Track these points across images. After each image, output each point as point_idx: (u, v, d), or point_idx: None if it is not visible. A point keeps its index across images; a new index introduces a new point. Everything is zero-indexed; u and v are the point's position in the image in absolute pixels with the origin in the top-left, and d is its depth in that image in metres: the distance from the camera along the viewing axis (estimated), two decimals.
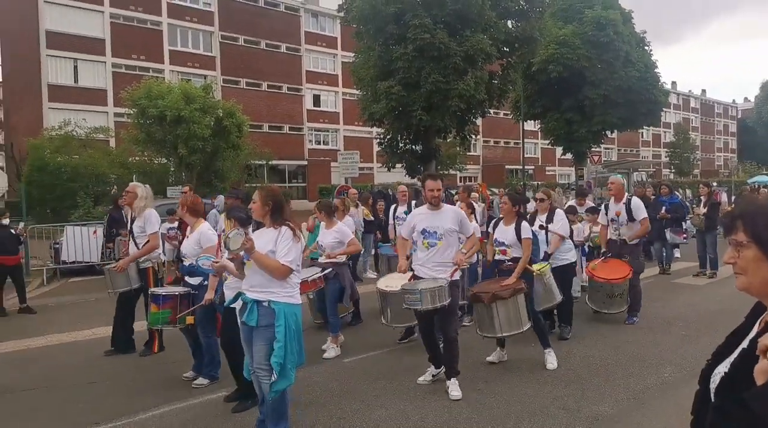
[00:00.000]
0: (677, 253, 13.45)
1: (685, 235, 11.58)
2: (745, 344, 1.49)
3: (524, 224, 5.79)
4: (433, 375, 5.31)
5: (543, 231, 6.75)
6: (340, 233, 6.57)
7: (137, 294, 6.59)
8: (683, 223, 11.73)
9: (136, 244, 6.45)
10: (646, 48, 33.18)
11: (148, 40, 34.05)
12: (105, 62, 32.61)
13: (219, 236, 5.30)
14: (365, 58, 23.87)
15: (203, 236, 5.37)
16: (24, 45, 32.00)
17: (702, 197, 11.57)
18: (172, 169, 24.55)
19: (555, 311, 6.87)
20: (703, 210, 11.09)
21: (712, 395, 1.52)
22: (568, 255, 6.92)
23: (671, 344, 6.46)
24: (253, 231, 4.37)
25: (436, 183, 5.07)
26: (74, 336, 7.64)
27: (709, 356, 1.65)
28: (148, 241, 6.39)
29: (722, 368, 1.51)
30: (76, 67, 31.97)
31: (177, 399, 5.11)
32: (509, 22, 24.46)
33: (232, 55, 37.24)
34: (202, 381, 5.48)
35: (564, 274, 6.77)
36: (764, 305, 1.49)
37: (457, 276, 5.03)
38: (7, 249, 9.01)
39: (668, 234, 11.28)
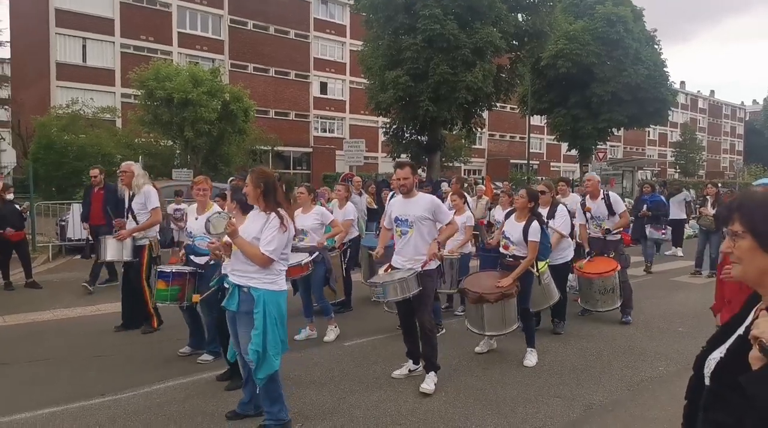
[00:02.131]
0: (680, 252, 13.51)
1: (663, 232, 11.76)
2: (741, 330, 1.54)
3: (534, 225, 5.51)
4: (409, 370, 5.21)
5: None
6: (320, 215, 6.52)
7: (140, 271, 6.49)
8: (690, 220, 11.76)
9: (136, 221, 6.46)
10: (655, 46, 33.07)
11: (157, 21, 34.01)
12: (114, 42, 32.60)
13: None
14: (374, 47, 23.85)
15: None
16: (33, 23, 32.00)
17: (709, 197, 11.38)
18: (178, 152, 24.65)
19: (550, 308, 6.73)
20: (711, 210, 10.92)
21: (706, 379, 1.58)
22: (565, 253, 6.75)
23: (667, 339, 6.55)
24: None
25: (403, 171, 4.94)
26: (80, 312, 7.77)
27: None
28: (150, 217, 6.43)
29: (717, 354, 1.56)
30: (84, 47, 31.98)
31: (181, 374, 5.23)
32: (519, 16, 24.40)
33: (241, 40, 37.18)
34: (206, 357, 5.60)
35: (560, 272, 6.64)
36: (760, 294, 1.55)
37: (432, 265, 4.91)
38: (12, 224, 9.10)
39: (648, 230, 11.44)
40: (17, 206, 9.48)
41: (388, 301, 5.03)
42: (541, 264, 6.05)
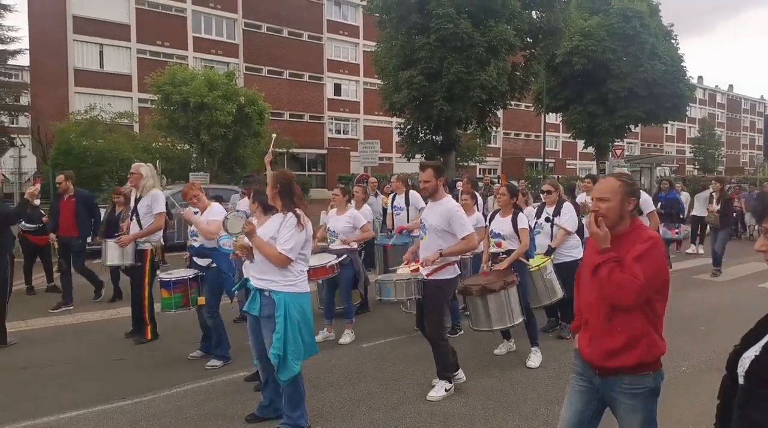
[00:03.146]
0: (701, 250, 13.29)
1: (677, 231, 11.33)
2: None
3: (521, 215, 5.67)
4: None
5: (549, 225, 6.53)
6: (353, 218, 6.53)
7: (142, 276, 6.32)
8: (710, 220, 11.29)
9: (139, 224, 6.31)
10: (672, 41, 32.66)
11: (173, 26, 34.33)
12: (130, 48, 32.97)
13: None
14: (387, 47, 23.83)
15: (211, 212, 5.49)
16: (51, 29, 32.45)
17: (714, 194, 11.16)
18: (194, 155, 24.81)
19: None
20: (716, 207, 10.76)
21: (740, 378, 1.55)
22: (574, 251, 6.53)
23: (690, 338, 6.44)
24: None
25: (425, 173, 4.66)
26: (99, 316, 7.85)
27: (729, 350, 1.68)
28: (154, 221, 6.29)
29: (752, 352, 1.53)
30: (101, 53, 32.37)
31: (201, 377, 5.25)
32: (533, 13, 24.23)
33: (255, 43, 37.39)
34: (214, 362, 5.56)
35: (569, 271, 6.29)
36: None
37: (445, 275, 4.64)
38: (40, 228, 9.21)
39: (661, 230, 11.00)
40: (42, 212, 9.57)
41: (386, 300, 4.99)
42: (537, 260, 6.04)
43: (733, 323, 6.96)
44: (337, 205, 6.70)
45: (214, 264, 5.56)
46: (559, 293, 6.19)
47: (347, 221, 6.52)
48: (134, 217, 6.38)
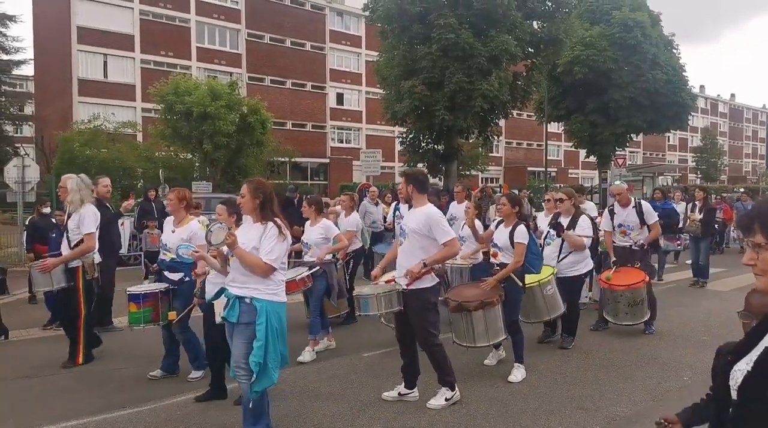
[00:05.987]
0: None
1: (679, 242, 11.10)
2: (767, 342, 1.51)
3: (520, 228, 5.39)
4: (400, 393, 4.85)
5: (560, 239, 6.36)
6: (325, 229, 6.43)
7: (77, 296, 5.93)
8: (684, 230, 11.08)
9: (69, 243, 5.88)
10: (674, 50, 32.75)
11: (176, 36, 34.56)
12: (134, 58, 33.19)
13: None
14: (389, 57, 23.94)
15: (195, 236, 5.20)
16: (56, 40, 32.71)
17: (697, 202, 10.92)
18: (197, 164, 24.92)
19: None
20: (699, 216, 10.56)
21: (733, 392, 1.54)
22: (580, 266, 6.44)
23: (691, 348, 6.42)
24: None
25: (402, 180, 4.88)
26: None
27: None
28: (82, 241, 5.81)
29: (744, 365, 1.52)
30: (105, 63, 32.59)
31: (200, 387, 5.22)
32: (535, 23, 24.32)
33: (258, 53, 37.60)
34: (195, 374, 5.47)
35: (572, 285, 6.40)
36: None
37: (424, 283, 4.57)
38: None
39: (662, 242, 10.38)
40: (53, 220, 9.56)
41: (365, 315, 4.94)
42: (537, 276, 5.77)
43: (733, 333, 6.91)
44: (310, 215, 6.56)
45: (186, 279, 5.34)
46: (561, 308, 6.12)
47: (319, 232, 6.41)
48: (65, 235, 5.96)
